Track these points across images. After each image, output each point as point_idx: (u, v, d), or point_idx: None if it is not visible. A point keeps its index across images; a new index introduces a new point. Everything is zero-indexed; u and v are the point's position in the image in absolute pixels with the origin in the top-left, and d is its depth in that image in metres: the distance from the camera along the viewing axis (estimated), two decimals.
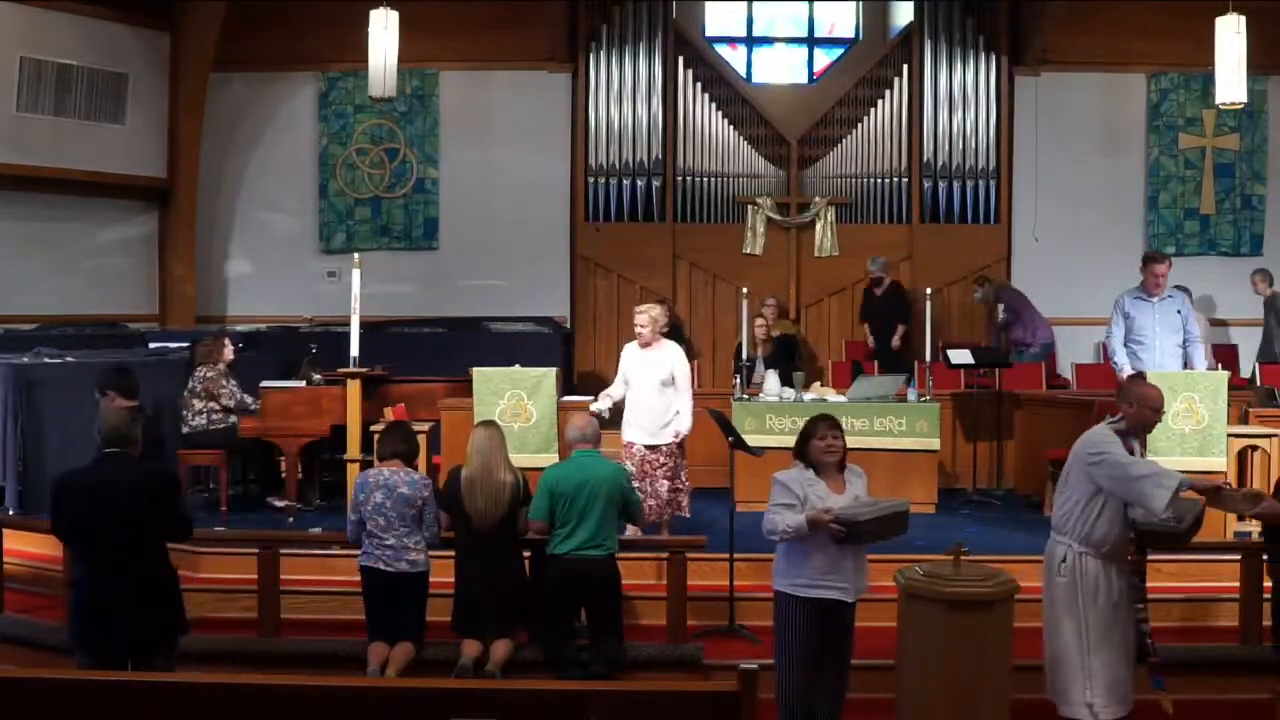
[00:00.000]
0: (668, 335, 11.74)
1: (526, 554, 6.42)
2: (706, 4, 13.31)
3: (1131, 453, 5.22)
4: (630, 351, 7.88)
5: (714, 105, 12.56)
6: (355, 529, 6.19)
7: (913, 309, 12.19)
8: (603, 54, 12.45)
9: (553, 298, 12.53)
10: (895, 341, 11.79)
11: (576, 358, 12.47)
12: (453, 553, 6.32)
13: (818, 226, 12.53)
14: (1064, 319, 12.08)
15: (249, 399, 9.02)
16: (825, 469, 5.28)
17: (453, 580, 6.36)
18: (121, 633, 4.81)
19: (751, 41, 13.40)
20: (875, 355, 11.79)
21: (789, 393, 9.21)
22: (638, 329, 7.79)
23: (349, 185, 12.58)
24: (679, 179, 12.51)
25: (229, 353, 9.15)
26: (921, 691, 4.94)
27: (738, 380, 9.52)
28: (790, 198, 12.58)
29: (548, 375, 7.92)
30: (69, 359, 9.23)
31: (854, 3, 13.43)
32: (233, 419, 8.91)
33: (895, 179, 12.53)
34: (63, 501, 4.92)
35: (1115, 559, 5.20)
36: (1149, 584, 7.01)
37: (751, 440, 7.66)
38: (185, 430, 8.97)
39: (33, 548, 7.50)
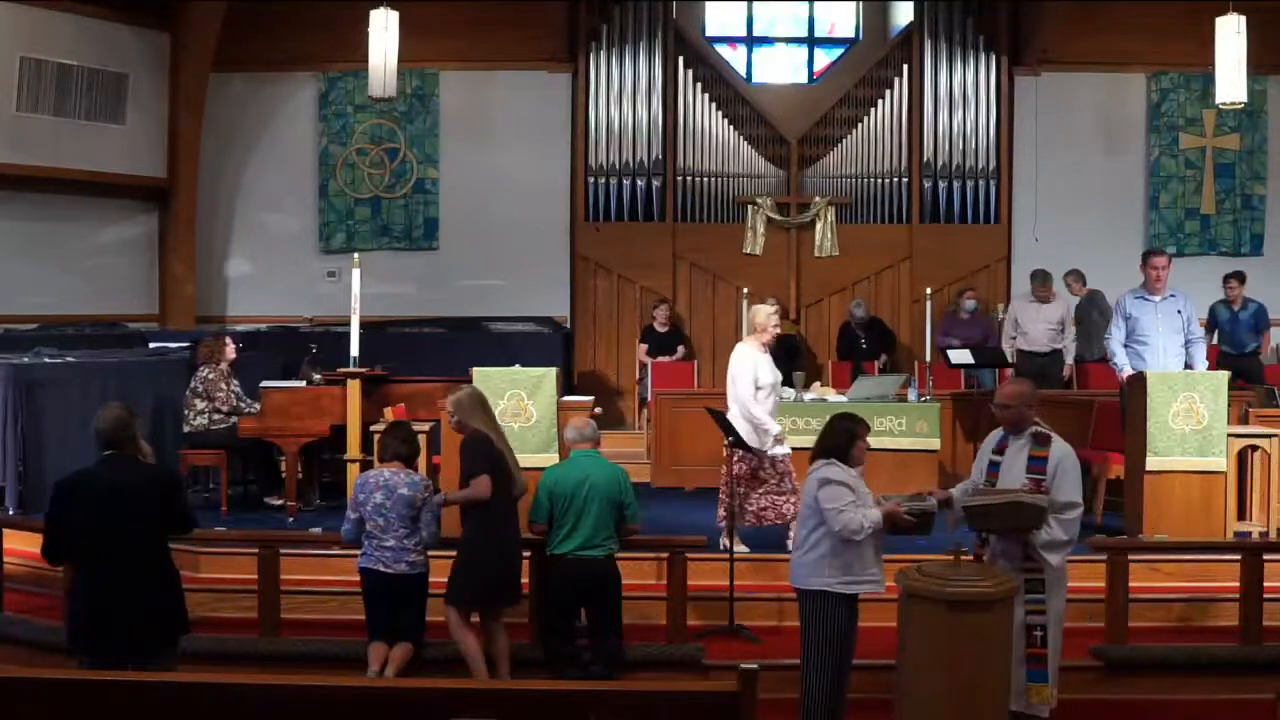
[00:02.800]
0: (667, 335, 11.86)
1: (526, 554, 6.42)
2: (706, 4, 13.31)
3: (1000, 451, 5.62)
4: (760, 358, 7.49)
5: (714, 105, 12.56)
6: (354, 529, 6.17)
7: (896, 339, 12.22)
8: (603, 54, 12.44)
9: (553, 298, 12.52)
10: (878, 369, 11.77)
11: (576, 358, 12.47)
12: (453, 552, 6.27)
13: (818, 226, 12.53)
14: None
15: (245, 403, 9.01)
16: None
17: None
18: (125, 634, 4.79)
19: (751, 41, 13.39)
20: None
21: (789, 393, 9.20)
22: (776, 329, 7.59)
23: (349, 185, 12.58)
24: (679, 179, 12.50)
25: (230, 352, 9.15)
26: (921, 691, 4.94)
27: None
28: (790, 198, 12.58)
29: (548, 375, 7.92)
30: (69, 359, 9.23)
31: (854, 3, 13.42)
32: (233, 419, 8.92)
33: (895, 179, 12.53)
34: (66, 503, 4.86)
35: (1007, 558, 5.41)
36: (1149, 584, 7.09)
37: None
38: (186, 430, 8.97)
39: (33, 548, 7.47)
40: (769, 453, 7.39)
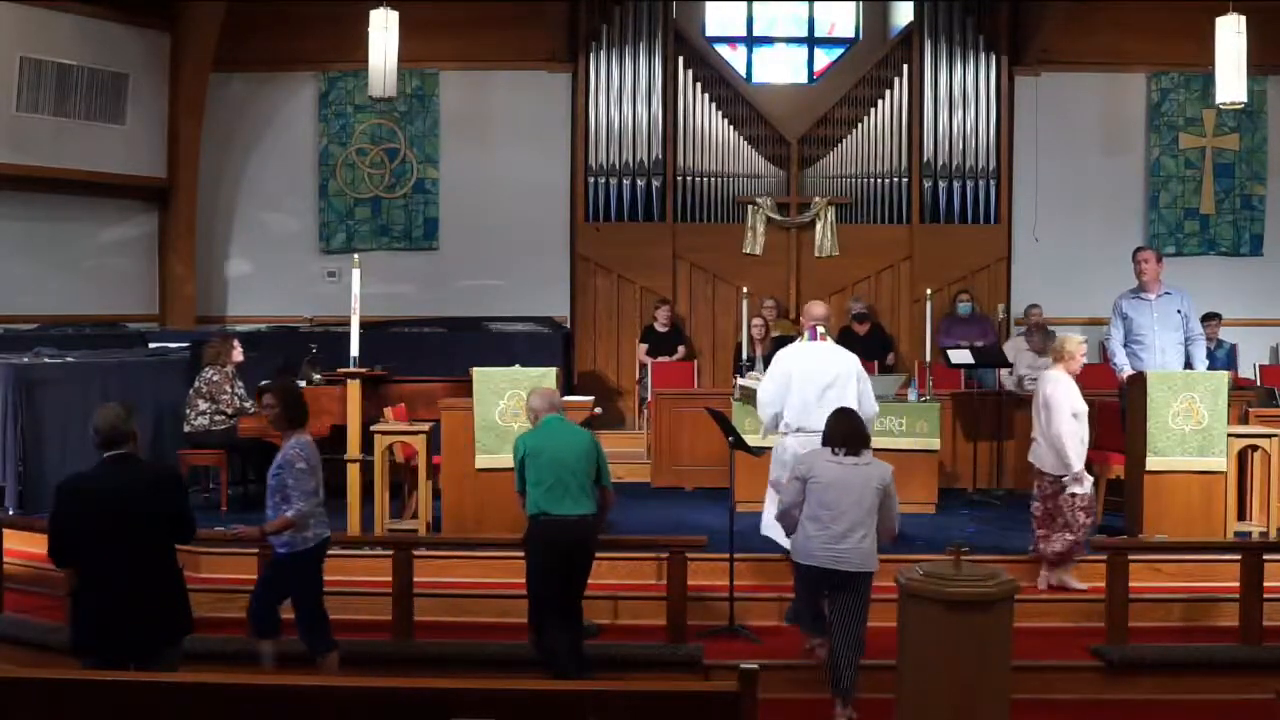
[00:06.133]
0: (667, 335, 11.84)
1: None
2: (706, 4, 13.31)
3: None
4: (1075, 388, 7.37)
5: (714, 105, 12.55)
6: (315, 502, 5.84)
7: (895, 345, 12.22)
8: (603, 54, 12.44)
9: (553, 298, 12.52)
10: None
11: (576, 358, 12.47)
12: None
13: (818, 226, 12.52)
14: (1064, 319, 12.07)
15: (250, 404, 9.01)
16: None
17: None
18: (129, 635, 4.77)
19: (751, 41, 13.39)
20: None
21: None
22: (1084, 358, 7.44)
23: (349, 185, 12.58)
24: (679, 179, 12.49)
25: (237, 354, 9.15)
26: (921, 691, 4.95)
27: (738, 380, 9.52)
28: (790, 198, 12.57)
29: (547, 375, 7.92)
30: (69, 359, 9.23)
31: (854, 3, 13.42)
32: (234, 420, 8.92)
33: (895, 179, 12.52)
34: (71, 507, 4.82)
35: None
36: (1149, 584, 7.12)
37: (751, 440, 7.66)
38: (187, 430, 8.98)
39: (33, 548, 7.49)
40: (1068, 491, 7.16)
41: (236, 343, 9.25)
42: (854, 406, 6.62)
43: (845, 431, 5.85)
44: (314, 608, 5.87)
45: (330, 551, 7.45)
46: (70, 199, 11.43)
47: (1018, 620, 5.22)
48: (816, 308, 7.73)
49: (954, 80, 12.44)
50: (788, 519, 5.93)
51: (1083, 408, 7.16)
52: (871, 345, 11.83)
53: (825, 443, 5.90)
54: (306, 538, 5.74)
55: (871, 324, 12.04)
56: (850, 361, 7.40)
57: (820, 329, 7.54)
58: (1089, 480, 7.19)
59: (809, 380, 7.23)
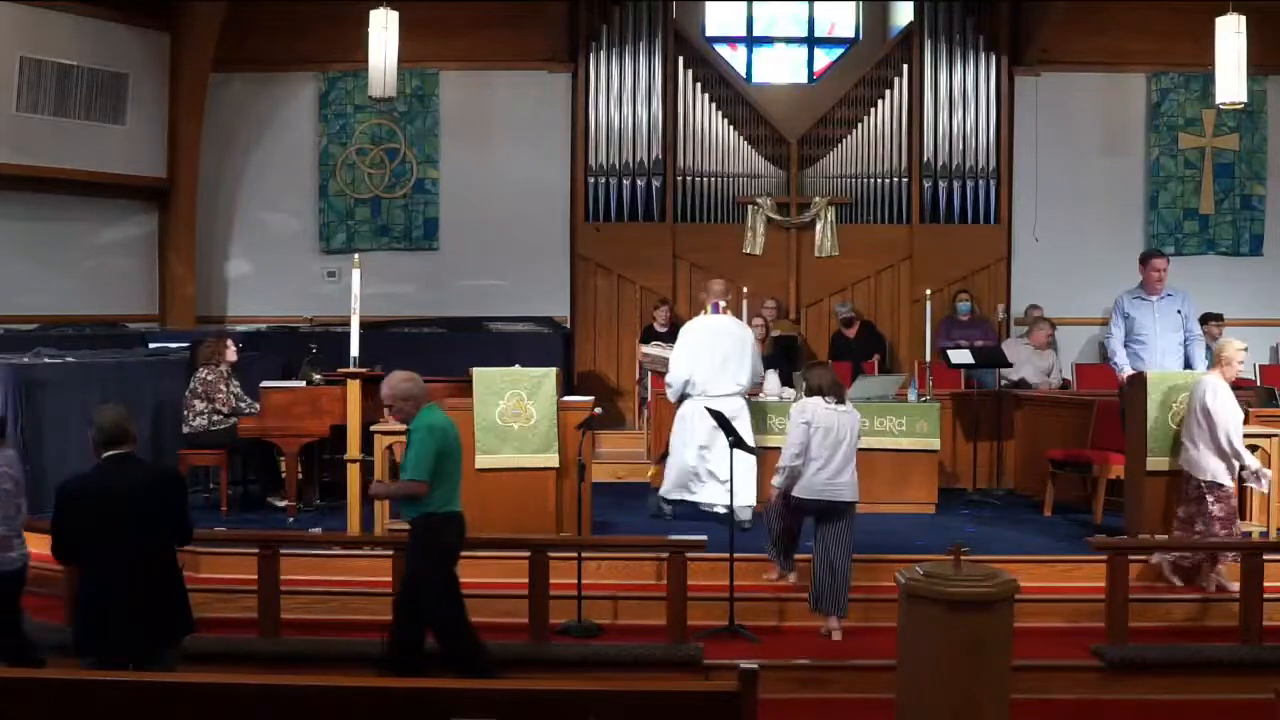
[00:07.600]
0: (667, 335, 11.83)
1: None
2: (706, 4, 13.31)
3: None
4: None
5: (714, 105, 12.55)
6: None
7: (887, 344, 12.22)
8: (603, 54, 12.44)
9: (553, 298, 12.52)
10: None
11: (576, 358, 12.47)
12: None
13: (818, 226, 12.52)
14: (1064, 319, 12.08)
15: (245, 403, 9.01)
16: None
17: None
18: (128, 635, 4.77)
19: (751, 41, 13.40)
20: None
21: (789, 392, 9.22)
22: (1242, 364, 7.60)
23: (349, 185, 12.58)
24: (679, 179, 12.49)
25: (231, 354, 9.15)
26: (921, 691, 4.95)
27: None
28: (790, 198, 12.57)
29: (548, 375, 7.92)
30: (69, 359, 9.23)
31: (854, 3, 13.43)
32: (233, 420, 8.92)
33: (895, 179, 12.52)
34: (72, 509, 4.81)
35: None
36: (1149, 584, 7.11)
37: (751, 440, 7.67)
38: (186, 430, 8.97)
39: (33, 548, 7.47)
40: (1247, 484, 7.31)
41: (230, 342, 9.25)
42: (749, 371, 8.45)
43: (830, 381, 6.83)
44: (14, 628, 5.71)
45: (330, 551, 7.51)
46: (70, 199, 11.43)
47: (1018, 620, 5.22)
48: (716, 284, 9.40)
49: (954, 80, 12.44)
50: (795, 462, 6.69)
51: (1240, 412, 7.31)
52: (863, 346, 11.84)
53: (814, 393, 6.80)
54: (12, 558, 5.57)
55: (861, 325, 12.03)
56: (744, 331, 8.74)
57: (721, 303, 8.84)
58: (1268, 473, 7.29)
59: (712, 350, 8.44)
